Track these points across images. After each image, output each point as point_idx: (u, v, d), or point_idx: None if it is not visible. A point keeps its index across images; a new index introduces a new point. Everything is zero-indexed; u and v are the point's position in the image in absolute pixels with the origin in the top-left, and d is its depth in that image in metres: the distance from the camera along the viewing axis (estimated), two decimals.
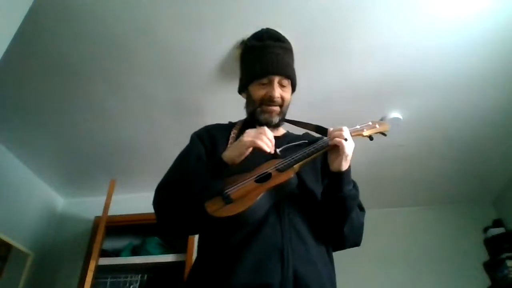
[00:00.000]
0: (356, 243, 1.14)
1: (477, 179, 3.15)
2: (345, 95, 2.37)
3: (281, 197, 1.01)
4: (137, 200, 3.27)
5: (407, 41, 2.05)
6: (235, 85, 2.30)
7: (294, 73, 1.28)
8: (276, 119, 1.23)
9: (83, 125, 2.66)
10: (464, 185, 3.21)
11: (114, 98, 2.44)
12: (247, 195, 0.95)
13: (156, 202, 1.10)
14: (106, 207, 2.65)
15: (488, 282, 3.02)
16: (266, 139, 1.02)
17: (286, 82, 1.24)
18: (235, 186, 0.99)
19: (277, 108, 1.22)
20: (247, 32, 2.01)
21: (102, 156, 2.96)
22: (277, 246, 0.96)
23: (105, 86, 2.34)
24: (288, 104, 1.26)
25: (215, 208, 0.95)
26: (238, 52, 2.10)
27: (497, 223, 3.18)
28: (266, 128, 1.07)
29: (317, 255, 1.02)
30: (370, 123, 1.19)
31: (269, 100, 1.21)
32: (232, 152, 1.04)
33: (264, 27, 1.99)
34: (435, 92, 2.36)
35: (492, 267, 3.03)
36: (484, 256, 3.13)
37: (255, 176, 1.02)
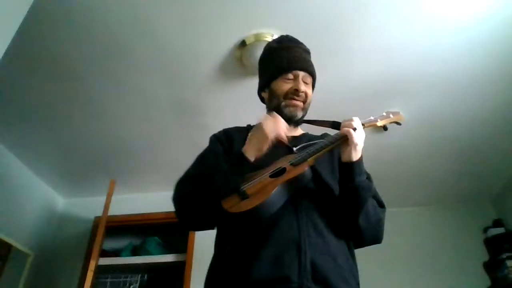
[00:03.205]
0: (376, 239, 1.13)
1: (477, 179, 3.14)
2: (345, 95, 2.37)
3: (296, 191, 1.02)
4: (137, 200, 3.29)
5: (407, 41, 2.05)
6: (235, 85, 2.32)
7: (315, 73, 1.32)
8: (300, 114, 1.25)
9: (83, 125, 2.66)
10: (464, 185, 3.21)
11: (114, 98, 2.44)
12: (262, 190, 0.98)
13: (176, 196, 1.12)
14: (106, 207, 2.65)
15: (488, 282, 3.01)
16: (284, 128, 1.06)
17: (309, 80, 1.28)
18: (251, 182, 1.02)
19: (301, 103, 1.24)
20: (247, 32, 2.03)
21: (102, 156, 2.96)
22: (294, 240, 0.97)
23: (105, 86, 2.34)
24: (310, 102, 1.29)
25: (231, 204, 0.98)
26: (238, 53, 2.10)
27: (497, 223, 3.17)
28: (278, 116, 1.10)
29: (337, 249, 1.02)
30: (384, 113, 1.21)
31: (294, 93, 1.23)
32: (254, 145, 1.06)
33: (264, 27, 2.01)
34: (435, 92, 2.36)
35: (492, 267, 3.03)
36: (484, 256, 3.12)
37: (270, 171, 1.04)
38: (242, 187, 1.01)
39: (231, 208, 0.97)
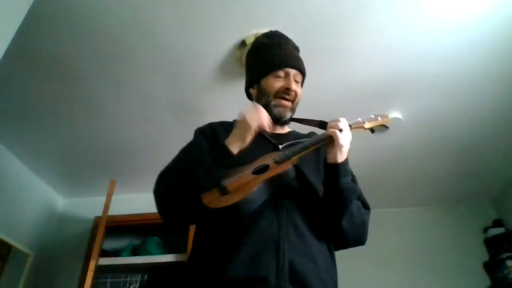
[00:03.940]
0: (359, 241, 1.11)
1: (477, 179, 3.14)
2: (344, 95, 2.37)
3: (278, 190, 1.00)
4: (137, 200, 3.27)
5: (407, 41, 2.05)
6: (235, 85, 2.32)
7: (305, 71, 1.30)
8: (288, 114, 1.23)
9: (83, 125, 2.66)
10: (464, 185, 3.21)
11: (114, 98, 2.44)
12: (243, 187, 0.96)
13: (157, 189, 1.09)
14: (106, 207, 2.65)
15: (488, 282, 3.02)
16: (266, 118, 1.05)
17: (299, 78, 1.25)
18: (232, 178, 1.00)
19: (290, 103, 1.22)
20: (247, 32, 2.03)
21: (102, 156, 2.96)
22: (273, 239, 0.95)
23: (105, 86, 2.34)
24: (298, 101, 1.26)
25: (211, 199, 0.95)
26: (238, 53, 2.10)
27: (497, 223, 3.18)
28: (260, 106, 1.10)
29: (317, 251, 1.01)
30: (373, 116, 1.19)
31: (285, 92, 1.20)
32: (237, 137, 1.04)
33: (264, 27, 2.00)
34: (435, 92, 2.36)
35: (492, 267, 3.03)
36: (484, 256, 3.13)
37: (253, 168, 1.02)
38: (223, 182, 0.98)
39: (211, 203, 0.94)
